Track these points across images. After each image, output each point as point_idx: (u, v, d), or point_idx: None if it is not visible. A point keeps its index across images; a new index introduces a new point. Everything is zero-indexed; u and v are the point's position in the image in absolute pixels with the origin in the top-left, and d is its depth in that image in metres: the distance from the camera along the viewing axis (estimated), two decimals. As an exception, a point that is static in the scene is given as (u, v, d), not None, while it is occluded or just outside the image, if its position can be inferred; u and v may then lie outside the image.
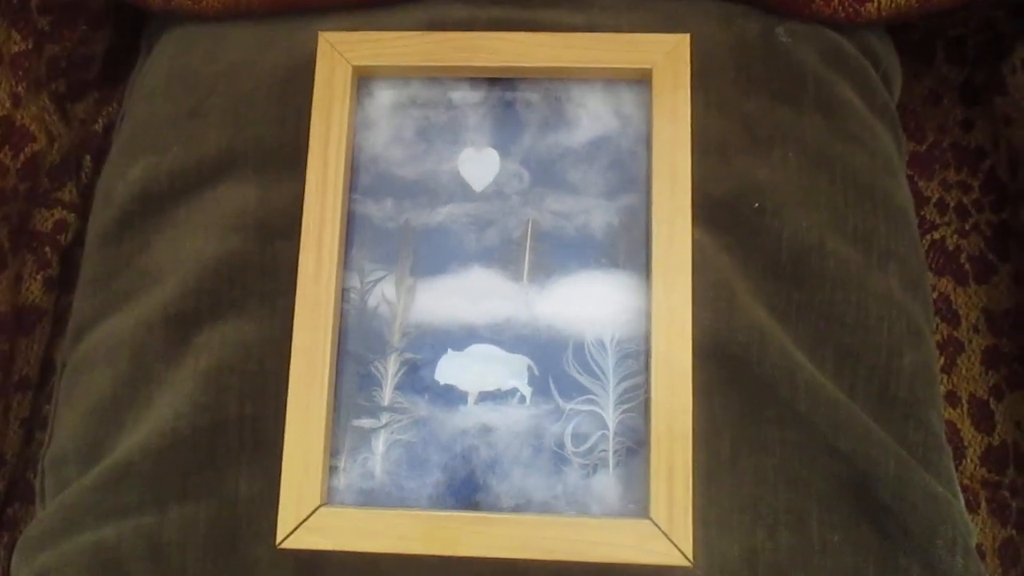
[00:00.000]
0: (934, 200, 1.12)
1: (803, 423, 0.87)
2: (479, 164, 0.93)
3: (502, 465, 0.92)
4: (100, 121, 1.09)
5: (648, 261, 0.87)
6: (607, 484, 0.91)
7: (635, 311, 0.94)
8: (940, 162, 1.13)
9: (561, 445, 0.92)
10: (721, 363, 0.87)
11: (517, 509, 0.91)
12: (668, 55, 0.94)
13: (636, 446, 0.92)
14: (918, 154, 1.13)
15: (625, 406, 0.92)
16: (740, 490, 0.90)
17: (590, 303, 0.94)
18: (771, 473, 0.87)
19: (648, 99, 0.92)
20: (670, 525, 0.87)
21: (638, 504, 0.90)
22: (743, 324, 0.87)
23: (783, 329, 0.93)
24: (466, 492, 0.92)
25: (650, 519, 0.87)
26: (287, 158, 0.93)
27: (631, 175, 0.91)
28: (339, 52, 0.97)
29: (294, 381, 0.91)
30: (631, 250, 0.91)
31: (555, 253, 0.91)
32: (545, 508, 0.91)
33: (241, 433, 0.86)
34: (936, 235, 1.11)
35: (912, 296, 0.91)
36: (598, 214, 0.96)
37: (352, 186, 0.92)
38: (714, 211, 0.96)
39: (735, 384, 0.87)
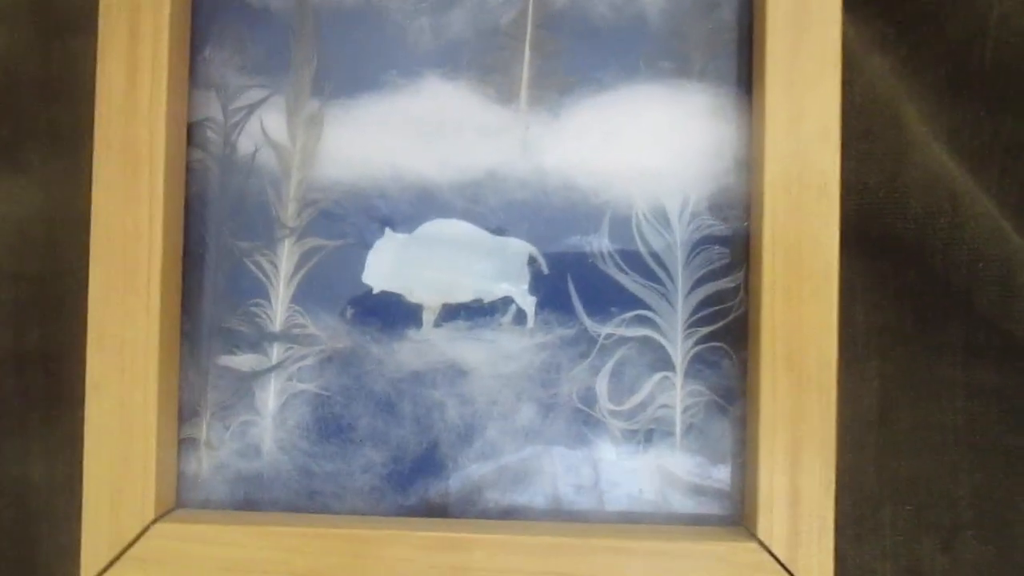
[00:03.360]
0: None
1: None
2: None
3: (483, 436, 0.52)
4: None
5: (750, 66, 0.52)
6: (671, 467, 0.52)
7: (724, 158, 0.51)
8: None
9: (590, 400, 0.51)
10: (883, 255, 0.51)
11: (509, 515, 0.52)
12: None
13: (723, 402, 0.51)
14: None
15: (704, 330, 0.51)
16: (902, 487, 0.50)
17: (640, 144, 0.51)
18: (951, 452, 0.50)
19: None
20: (791, 550, 0.47)
21: (726, 506, 0.51)
22: (919, 182, 0.51)
23: (980, 185, 0.52)
24: (420, 485, 0.52)
25: (754, 538, 0.48)
26: None
27: None
28: None
29: (96, 293, 0.50)
30: (715, 46, 0.52)
31: (576, 53, 0.53)
32: (559, 513, 0.51)
33: (21, 382, 0.48)
34: None
35: None
36: (656, -22, 0.52)
37: None
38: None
39: (908, 296, 0.52)
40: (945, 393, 0.53)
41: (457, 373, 0.52)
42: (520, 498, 0.52)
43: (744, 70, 0.52)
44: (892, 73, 0.54)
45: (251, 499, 0.53)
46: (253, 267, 0.53)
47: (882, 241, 0.53)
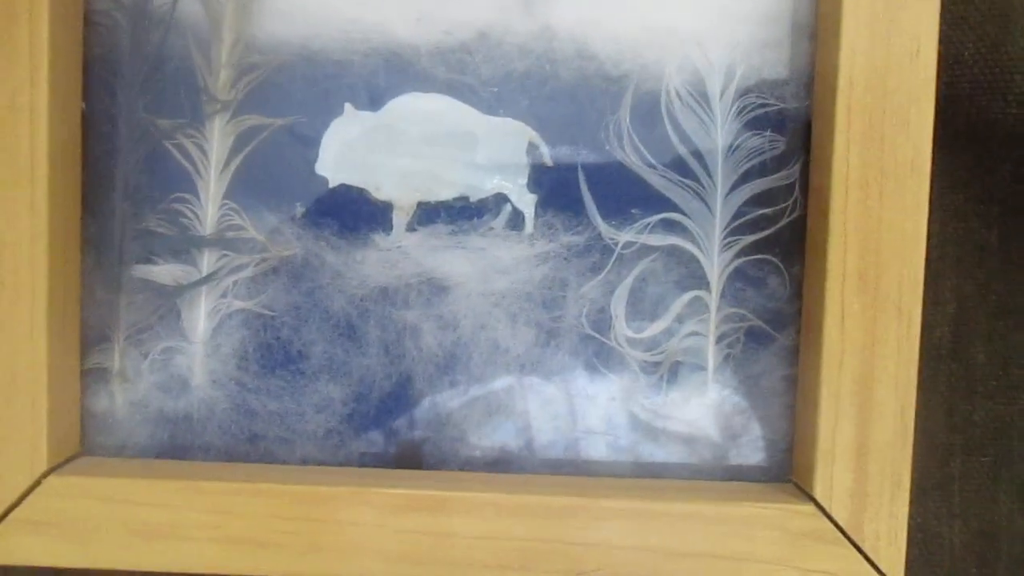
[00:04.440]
0: None
1: None
2: None
3: (468, 369, 0.42)
4: None
5: None
6: (701, 408, 0.41)
7: (779, 18, 0.40)
8: None
9: (603, 325, 0.41)
10: (971, 146, 0.43)
11: (498, 467, 0.42)
12: None
13: (770, 329, 0.41)
14: None
15: (749, 239, 0.41)
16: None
17: (675, -3, 0.40)
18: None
19: None
20: (855, 514, 0.38)
21: (772, 458, 0.41)
22: (1016, 50, 0.41)
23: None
24: (388, 429, 0.42)
25: (809, 498, 0.39)
26: None
27: None
28: None
29: (-38, 180, 0.38)
30: None
31: None
32: (561, 464, 0.41)
33: None
34: None
35: None
36: None
37: None
38: None
39: (997, 200, 0.43)
40: (1038, 321, 0.43)
41: (436, 289, 0.41)
42: (512, 446, 0.42)
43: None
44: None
45: (177, 445, 0.42)
46: (176, 152, 0.41)
47: (973, 129, 0.42)
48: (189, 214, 0.42)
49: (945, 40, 0.41)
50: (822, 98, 0.39)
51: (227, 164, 0.41)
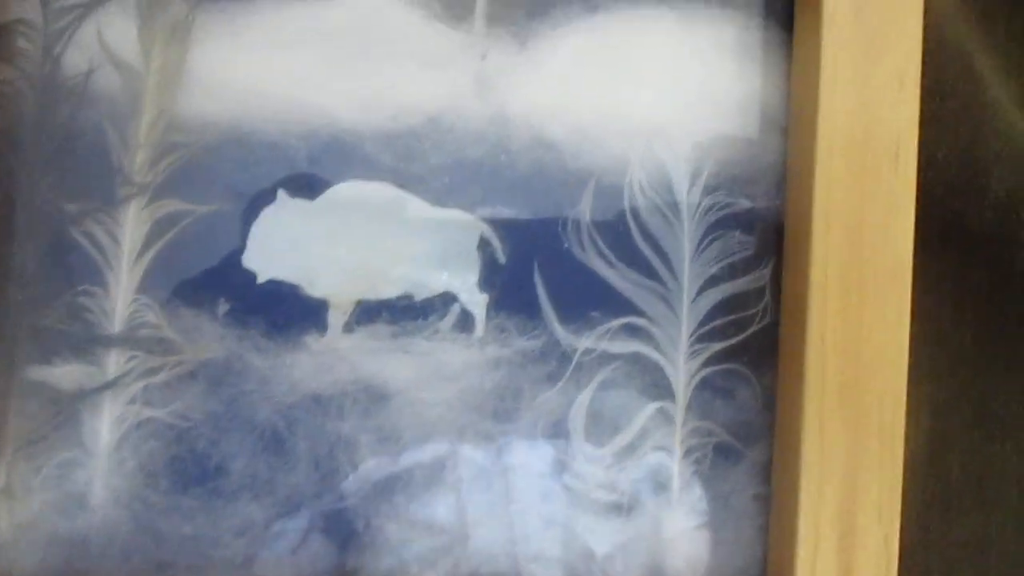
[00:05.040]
0: None
1: None
2: None
3: (408, 488, 0.37)
4: None
5: None
6: (665, 534, 0.38)
7: (750, 112, 0.38)
8: None
9: (559, 438, 0.38)
10: (949, 246, 0.40)
11: (449, 601, 0.37)
12: None
13: (740, 445, 0.38)
14: None
15: (716, 346, 0.38)
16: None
17: (639, 87, 0.37)
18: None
19: None
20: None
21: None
22: (1000, 156, 0.41)
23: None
24: (321, 557, 0.37)
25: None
26: None
27: None
28: None
29: None
30: None
31: None
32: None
33: None
34: None
35: None
36: None
37: None
38: None
39: (976, 302, 0.41)
40: (1018, 433, 0.41)
41: (374, 398, 0.37)
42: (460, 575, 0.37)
43: (781, -7, 0.38)
44: (965, 14, 0.41)
45: (72, 572, 0.37)
46: (83, 239, 0.37)
47: (950, 229, 0.40)
48: (95, 309, 0.37)
49: (921, 139, 0.39)
50: (796, 201, 0.36)
51: (141, 254, 0.37)
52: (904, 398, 0.35)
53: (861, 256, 0.35)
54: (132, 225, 0.37)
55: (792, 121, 0.37)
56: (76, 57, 0.37)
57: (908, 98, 0.35)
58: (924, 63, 0.38)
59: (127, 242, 0.37)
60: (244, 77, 0.37)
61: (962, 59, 0.41)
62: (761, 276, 0.38)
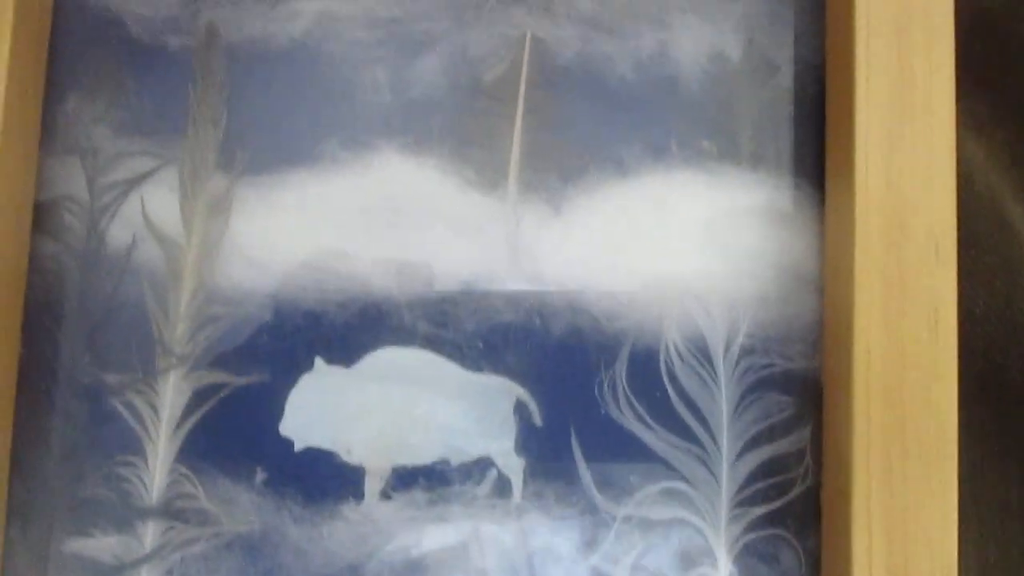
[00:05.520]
0: None
1: None
2: None
3: (451, 664, 0.37)
4: None
5: (820, 148, 0.38)
6: None
7: (784, 271, 0.38)
8: None
9: (600, 609, 0.37)
10: (990, 402, 0.40)
11: None
12: None
13: (788, 613, 0.37)
14: None
15: (758, 510, 0.37)
16: None
17: (672, 250, 0.37)
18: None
19: None
20: None
21: None
22: None
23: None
24: None
25: None
26: None
27: None
28: None
29: None
30: (773, 122, 0.39)
31: (585, 125, 0.39)
32: None
33: None
34: None
35: None
36: (694, 30, 0.39)
37: None
38: (965, 40, 0.39)
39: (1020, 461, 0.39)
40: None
41: (413, 567, 0.37)
42: None
43: (811, 154, 0.38)
44: (995, 163, 0.41)
45: None
46: (123, 410, 0.37)
47: (990, 385, 0.39)
48: (134, 479, 0.37)
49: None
50: (835, 362, 0.36)
51: (180, 424, 0.37)
52: (955, 563, 0.34)
53: (904, 419, 0.34)
54: (171, 396, 0.37)
55: (828, 282, 0.37)
56: (120, 231, 0.38)
57: (944, 263, 0.35)
58: (958, 216, 0.38)
59: (166, 412, 0.37)
60: (282, 248, 0.38)
61: (996, 211, 0.41)
62: (801, 438, 0.37)
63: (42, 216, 0.37)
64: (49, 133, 0.38)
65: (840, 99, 0.36)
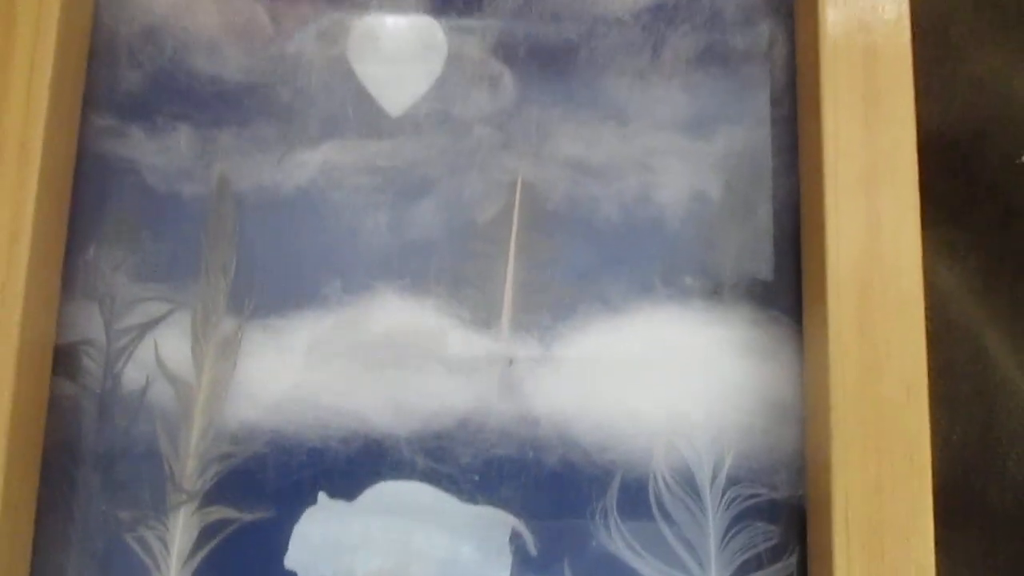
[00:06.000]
0: None
1: None
2: (398, 51, 0.43)
3: None
4: None
5: (798, 285, 0.39)
6: None
7: (768, 404, 0.39)
8: None
9: None
10: (970, 529, 0.41)
11: None
12: None
13: None
14: None
15: (749, 639, 0.38)
16: None
17: (658, 384, 0.38)
18: None
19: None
20: None
21: None
22: (1009, 429, 0.42)
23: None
24: None
25: None
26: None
27: (748, 83, 0.42)
28: None
29: None
30: (753, 260, 0.41)
31: (574, 264, 0.42)
32: None
33: None
34: None
35: None
36: (675, 174, 0.41)
37: (92, 96, 0.43)
38: (930, 170, 0.41)
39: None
40: None
41: None
42: None
43: (790, 289, 0.40)
44: (968, 291, 0.43)
45: None
46: (135, 545, 0.39)
47: (972, 511, 0.41)
48: (144, 613, 0.38)
49: (933, 421, 0.40)
50: (817, 491, 0.38)
51: (189, 559, 0.39)
52: None
53: (883, 549, 0.35)
54: (182, 531, 0.39)
55: (808, 415, 0.39)
56: (134, 373, 0.40)
57: (916, 402, 0.36)
58: (931, 345, 0.39)
59: (176, 547, 0.39)
60: (287, 387, 0.39)
61: (971, 338, 0.42)
62: (788, 565, 0.39)
63: (61, 359, 0.40)
64: (70, 280, 0.40)
65: (814, 240, 0.39)
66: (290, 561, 0.39)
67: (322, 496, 0.39)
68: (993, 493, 0.41)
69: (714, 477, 0.39)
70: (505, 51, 0.42)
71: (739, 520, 0.39)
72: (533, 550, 0.39)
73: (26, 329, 0.37)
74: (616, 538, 0.39)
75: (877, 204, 0.37)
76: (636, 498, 0.39)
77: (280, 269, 0.40)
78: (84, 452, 0.39)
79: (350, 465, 0.39)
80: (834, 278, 0.37)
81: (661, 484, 0.39)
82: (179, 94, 0.42)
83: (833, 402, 0.36)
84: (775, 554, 0.39)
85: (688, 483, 0.39)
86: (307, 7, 0.42)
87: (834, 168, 0.37)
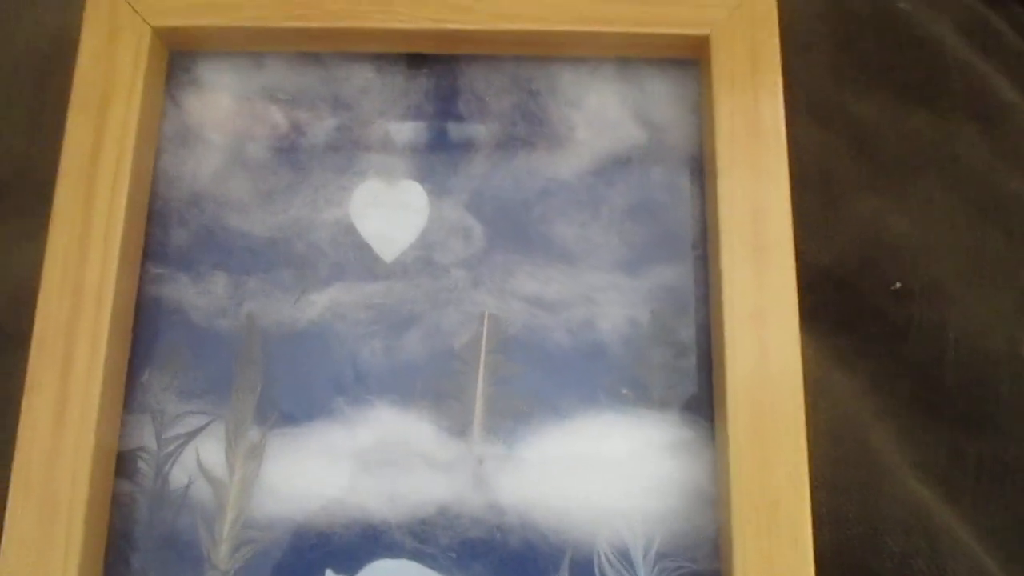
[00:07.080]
0: None
1: None
2: (390, 210, 0.54)
3: None
4: None
5: (711, 396, 0.51)
6: None
7: (690, 493, 0.49)
8: None
9: None
10: None
11: None
12: (736, 14, 0.51)
13: None
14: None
15: None
16: None
17: (601, 478, 0.48)
18: None
19: (698, 92, 0.52)
20: None
21: None
22: (894, 517, 0.51)
23: (957, 515, 0.50)
24: None
25: None
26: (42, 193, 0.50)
27: (671, 232, 0.52)
28: (130, 4, 0.52)
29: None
30: (676, 374, 0.51)
31: (532, 380, 0.52)
32: None
33: None
34: None
35: None
36: (613, 305, 0.51)
37: (149, 250, 0.54)
38: (820, 296, 0.52)
39: None
40: None
41: None
42: None
43: (707, 398, 0.50)
44: (856, 391, 0.53)
45: None
46: (178, 615, 0.48)
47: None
48: (185, 673, 0.47)
49: (827, 503, 0.49)
50: (727, 563, 0.46)
51: (221, 627, 0.48)
52: None
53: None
54: (216, 603, 0.48)
55: (720, 504, 0.48)
56: (179, 474, 0.49)
57: (799, 493, 0.45)
58: (824, 440, 0.48)
59: (212, 616, 0.48)
60: (302, 484, 0.49)
61: (858, 433, 0.51)
62: (710, 629, 0.47)
63: (121, 463, 0.49)
64: (129, 398, 0.50)
65: (718, 361, 0.48)
66: (306, 627, 0.48)
67: (329, 572, 0.48)
68: (874, 564, 0.49)
69: (646, 553, 0.48)
70: (476, 208, 0.53)
71: (669, 591, 0.48)
72: (501, 617, 0.48)
73: (99, 438, 0.47)
74: (568, 606, 0.48)
75: (764, 333, 0.47)
76: (584, 572, 0.48)
77: (297, 388, 0.50)
78: (139, 539, 0.49)
79: (351, 546, 0.48)
80: (732, 391, 0.46)
81: (604, 560, 0.48)
82: (217, 247, 0.52)
83: (733, 490, 0.46)
84: (699, 619, 0.48)
85: (625, 559, 0.48)
86: (318, 176, 0.53)
87: (731, 304, 0.47)
